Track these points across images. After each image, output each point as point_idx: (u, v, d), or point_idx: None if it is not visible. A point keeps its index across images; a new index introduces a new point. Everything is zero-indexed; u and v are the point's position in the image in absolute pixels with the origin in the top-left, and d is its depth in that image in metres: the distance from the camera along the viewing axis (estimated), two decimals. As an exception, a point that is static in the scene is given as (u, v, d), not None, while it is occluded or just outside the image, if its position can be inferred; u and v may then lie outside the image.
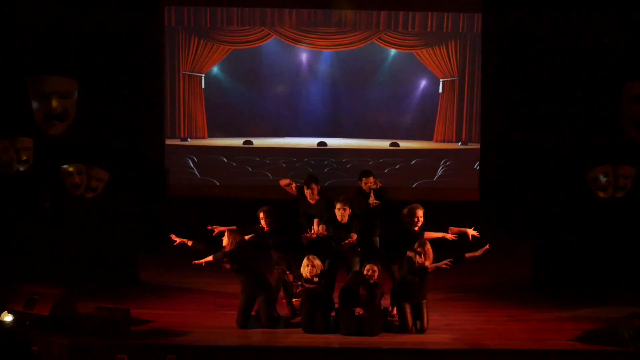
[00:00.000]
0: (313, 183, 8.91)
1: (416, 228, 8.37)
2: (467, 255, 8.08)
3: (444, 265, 7.99)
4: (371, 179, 8.88)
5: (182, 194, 12.54)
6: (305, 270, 8.05)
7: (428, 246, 8.08)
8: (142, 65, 12.01)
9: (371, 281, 7.99)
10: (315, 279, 8.05)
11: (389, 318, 8.38)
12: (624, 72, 10.76)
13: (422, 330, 8.04)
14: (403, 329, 8.05)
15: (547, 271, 9.98)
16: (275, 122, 12.93)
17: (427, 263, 8.05)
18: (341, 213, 8.53)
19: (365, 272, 8.03)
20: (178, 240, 8.21)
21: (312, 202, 8.88)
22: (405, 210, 8.46)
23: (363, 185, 8.90)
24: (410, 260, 8.07)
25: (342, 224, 8.50)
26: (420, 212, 8.42)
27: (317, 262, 8.08)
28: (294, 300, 8.67)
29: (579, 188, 10.21)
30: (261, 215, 8.58)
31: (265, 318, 8.15)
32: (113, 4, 11.76)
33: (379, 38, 12.69)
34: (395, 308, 8.37)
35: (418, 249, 8.04)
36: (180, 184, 12.66)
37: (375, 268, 8.02)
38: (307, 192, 8.88)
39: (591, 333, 8.04)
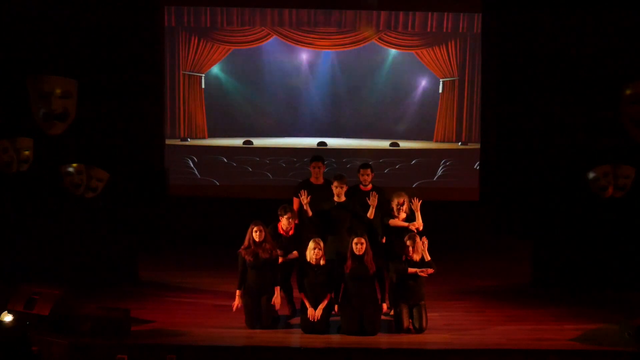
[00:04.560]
0: (320, 161, 8.90)
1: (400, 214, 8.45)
2: (410, 270, 8.08)
3: (421, 273, 8.04)
4: (368, 171, 8.84)
5: (182, 194, 12.54)
6: (311, 253, 8.07)
7: (418, 239, 8.11)
8: (142, 65, 12.01)
9: (359, 253, 8.02)
10: (322, 263, 8.06)
11: (386, 317, 8.40)
12: (623, 72, 10.76)
13: (420, 330, 8.05)
14: (399, 329, 8.06)
15: (547, 271, 9.98)
16: (275, 122, 12.93)
17: (416, 257, 8.09)
18: (338, 191, 8.53)
19: (353, 245, 8.05)
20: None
21: (315, 182, 8.85)
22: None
23: (360, 177, 8.85)
24: (398, 261, 8.15)
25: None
26: (401, 200, 8.45)
27: (323, 244, 8.11)
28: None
29: (579, 188, 10.20)
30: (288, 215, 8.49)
31: (265, 318, 8.15)
32: (113, 4, 11.76)
33: (379, 38, 12.69)
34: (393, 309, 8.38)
35: (407, 242, 8.08)
36: (180, 184, 12.66)
37: (363, 240, 8.04)
38: (313, 170, 8.85)
39: (591, 333, 8.04)
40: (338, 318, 8.15)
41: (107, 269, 9.90)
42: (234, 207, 11.99)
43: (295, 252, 8.42)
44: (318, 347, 7.64)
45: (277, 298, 8.18)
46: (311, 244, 8.12)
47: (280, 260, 8.29)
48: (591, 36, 11.63)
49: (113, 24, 11.77)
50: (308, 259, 8.13)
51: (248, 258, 8.14)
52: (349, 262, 8.08)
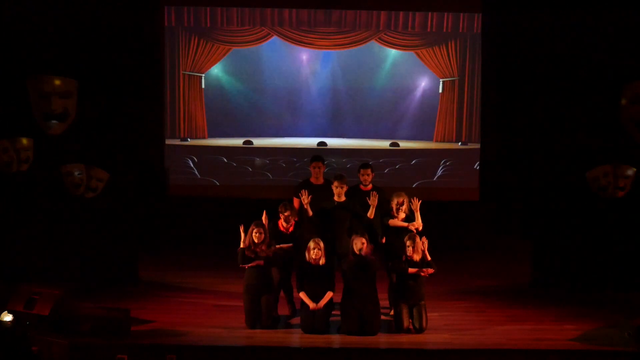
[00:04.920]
0: (320, 162, 8.92)
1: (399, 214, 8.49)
2: (410, 270, 8.08)
3: (421, 273, 8.04)
4: (369, 171, 8.86)
5: (182, 194, 12.55)
6: (311, 253, 8.08)
7: (418, 239, 8.11)
8: (142, 65, 12.01)
9: (360, 253, 8.02)
10: (322, 262, 8.07)
11: (386, 317, 8.40)
12: (624, 72, 10.76)
13: (420, 330, 8.05)
14: (398, 329, 8.06)
15: (547, 271, 9.98)
16: (275, 122, 12.93)
17: (416, 257, 8.09)
18: (338, 191, 8.54)
19: (353, 245, 8.05)
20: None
21: (315, 182, 8.86)
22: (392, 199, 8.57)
23: (360, 177, 8.87)
24: (398, 260, 8.16)
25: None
26: (400, 200, 8.47)
27: (323, 244, 8.11)
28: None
29: (579, 188, 10.20)
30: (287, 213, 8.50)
31: (265, 318, 8.16)
32: (113, 4, 11.75)
33: (379, 38, 12.69)
34: (393, 309, 8.39)
35: (407, 242, 8.09)
36: (180, 184, 12.67)
37: (364, 240, 8.05)
38: (313, 170, 8.87)
39: (591, 333, 8.04)
40: (338, 318, 8.15)
41: (107, 269, 9.90)
42: (234, 207, 11.98)
43: (288, 245, 8.42)
44: (318, 347, 7.64)
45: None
46: (311, 244, 8.13)
47: (273, 248, 8.29)
48: (591, 36, 11.62)
49: (113, 24, 11.76)
50: (308, 259, 8.13)
51: (248, 254, 8.15)
52: (349, 262, 8.07)
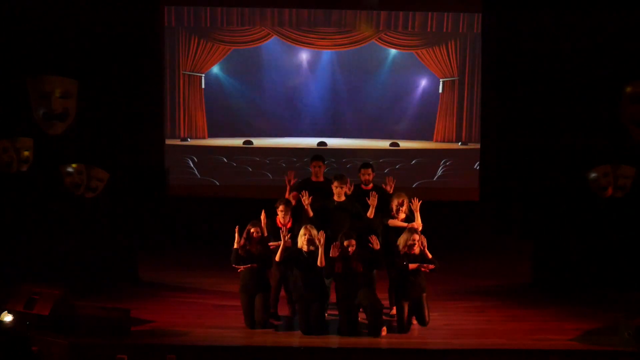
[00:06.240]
0: (320, 161, 8.96)
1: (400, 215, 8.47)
2: (411, 266, 8.06)
3: (422, 269, 8.04)
4: (369, 171, 8.87)
5: (182, 194, 12.55)
6: (302, 239, 8.07)
7: (416, 235, 8.10)
8: (142, 65, 11.99)
9: (348, 255, 8.00)
10: (312, 248, 8.05)
11: (387, 317, 8.40)
12: (624, 72, 10.75)
13: (423, 324, 8.04)
14: (401, 328, 8.05)
15: (547, 271, 9.99)
16: (275, 122, 12.93)
17: (416, 250, 8.08)
18: (338, 191, 8.55)
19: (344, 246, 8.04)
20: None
21: (315, 180, 8.87)
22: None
23: (361, 176, 8.88)
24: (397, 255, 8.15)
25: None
26: (400, 200, 8.47)
27: (314, 231, 8.08)
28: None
29: (579, 188, 10.21)
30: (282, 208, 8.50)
31: (260, 316, 8.14)
32: (113, 4, 11.75)
33: (379, 38, 12.69)
34: (394, 307, 8.38)
35: (413, 237, 8.07)
36: (180, 184, 12.66)
37: (353, 242, 8.03)
38: (313, 170, 8.89)
39: (591, 333, 8.04)
40: (337, 318, 8.15)
41: (107, 269, 9.90)
42: (234, 207, 11.96)
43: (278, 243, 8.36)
44: (318, 347, 7.64)
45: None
46: (302, 231, 8.12)
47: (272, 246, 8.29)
48: (591, 36, 11.61)
49: (113, 24, 11.75)
50: (299, 246, 8.12)
51: (242, 253, 8.15)
52: (339, 264, 8.03)
